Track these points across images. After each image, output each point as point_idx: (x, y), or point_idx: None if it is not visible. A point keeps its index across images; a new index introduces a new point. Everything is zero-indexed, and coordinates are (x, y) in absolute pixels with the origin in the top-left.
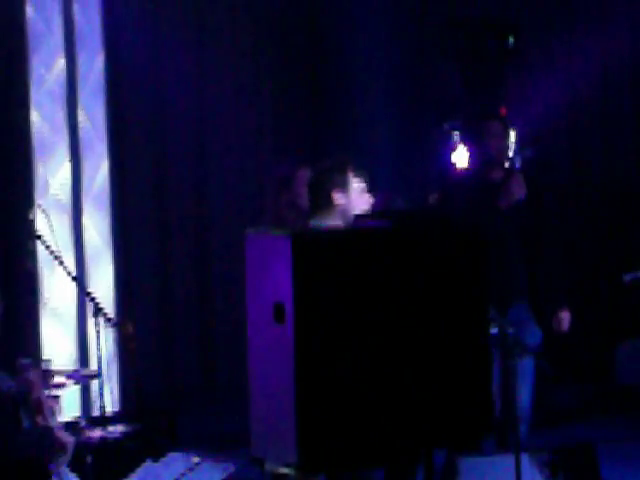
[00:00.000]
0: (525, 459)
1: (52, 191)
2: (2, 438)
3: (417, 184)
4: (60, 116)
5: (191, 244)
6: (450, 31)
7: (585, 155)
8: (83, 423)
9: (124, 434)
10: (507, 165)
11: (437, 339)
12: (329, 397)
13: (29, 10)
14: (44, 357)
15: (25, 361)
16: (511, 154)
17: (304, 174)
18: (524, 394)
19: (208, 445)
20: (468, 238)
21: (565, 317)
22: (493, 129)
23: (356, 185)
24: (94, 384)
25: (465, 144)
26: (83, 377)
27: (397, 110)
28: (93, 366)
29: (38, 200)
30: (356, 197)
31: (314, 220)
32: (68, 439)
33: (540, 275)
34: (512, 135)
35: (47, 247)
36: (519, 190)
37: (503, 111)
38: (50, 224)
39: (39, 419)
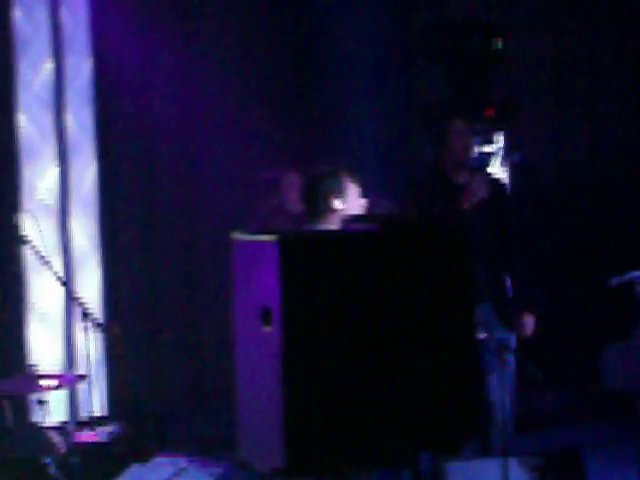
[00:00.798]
0: (513, 463)
1: (39, 195)
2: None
3: (403, 186)
4: (47, 120)
5: (179, 248)
6: (437, 33)
7: (572, 158)
8: (71, 427)
9: (111, 438)
10: (472, 165)
11: (423, 342)
12: (316, 401)
13: (17, 13)
14: (31, 361)
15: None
16: (499, 158)
17: (291, 178)
18: (505, 396)
19: (195, 449)
20: (454, 241)
21: (528, 322)
22: (456, 128)
23: (351, 189)
24: (82, 388)
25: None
26: (71, 381)
27: (383, 112)
28: (81, 370)
29: (25, 204)
30: (352, 201)
31: (312, 227)
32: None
33: (507, 278)
34: (500, 139)
35: (34, 251)
36: (481, 190)
37: (490, 113)
38: (37, 228)
39: None
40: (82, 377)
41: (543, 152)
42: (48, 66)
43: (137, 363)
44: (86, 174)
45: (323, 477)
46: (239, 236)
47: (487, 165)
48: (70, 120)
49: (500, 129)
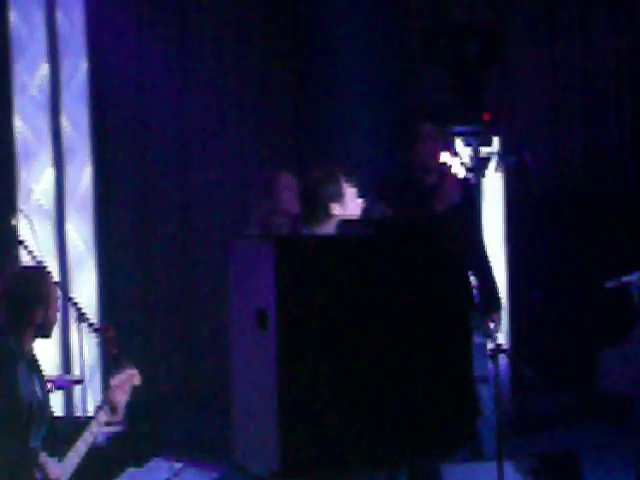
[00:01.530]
0: (508, 466)
1: (35, 197)
2: None
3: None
4: (43, 122)
5: (175, 250)
6: (434, 37)
7: (568, 161)
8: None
9: (107, 440)
10: (441, 167)
11: (419, 346)
12: (311, 404)
13: (13, 16)
14: None
15: None
16: (495, 161)
17: (285, 178)
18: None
19: (191, 451)
20: (449, 246)
21: (491, 327)
22: (424, 131)
23: (349, 192)
24: (77, 390)
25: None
26: (66, 383)
27: (380, 115)
28: (76, 372)
29: (21, 206)
30: (350, 204)
31: (310, 231)
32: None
33: (478, 279)
34: (496, 142)
35: (30, 253)
36: (453, 192)
37: (486, 117)
38: (33, 230)
39: None
40: (78, 382)
41: (539, 156)
42: (44, 68)
43: (132, 365)
44: (82, 176)
45: None
46: (235, 238)
47: (484, 169)
48: (66, 122)
49: (497, 133)
